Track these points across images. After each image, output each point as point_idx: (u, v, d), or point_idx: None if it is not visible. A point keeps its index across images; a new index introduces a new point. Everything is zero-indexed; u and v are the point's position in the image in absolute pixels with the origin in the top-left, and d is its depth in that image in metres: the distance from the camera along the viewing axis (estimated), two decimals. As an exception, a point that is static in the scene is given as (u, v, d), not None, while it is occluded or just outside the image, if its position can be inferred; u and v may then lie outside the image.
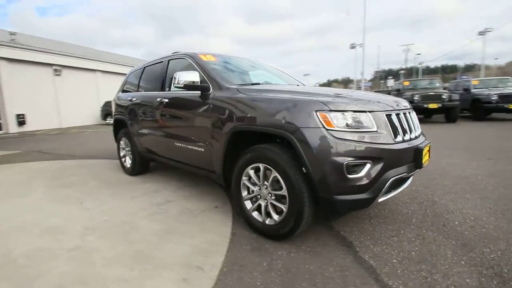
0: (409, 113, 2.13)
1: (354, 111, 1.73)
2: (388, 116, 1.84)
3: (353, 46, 26.19)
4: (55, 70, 15.12)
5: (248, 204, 2.16)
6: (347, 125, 1.70)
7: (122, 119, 3.94)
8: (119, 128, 4.17)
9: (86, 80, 17.32)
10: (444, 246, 1.92)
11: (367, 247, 1.93)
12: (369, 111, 1.76)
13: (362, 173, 1.67)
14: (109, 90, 17.97)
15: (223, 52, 3.46)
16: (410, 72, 63.76)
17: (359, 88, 25.03)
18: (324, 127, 1.67)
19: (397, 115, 1.93)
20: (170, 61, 3.16)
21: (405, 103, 2.15)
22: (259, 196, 2.08)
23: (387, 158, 1.72)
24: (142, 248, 2.00)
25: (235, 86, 2.35)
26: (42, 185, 3.67)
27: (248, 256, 1.86)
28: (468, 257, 1.78)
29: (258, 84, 2.59)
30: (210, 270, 1.73)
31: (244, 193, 2.17)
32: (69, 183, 3.71)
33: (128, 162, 3.99)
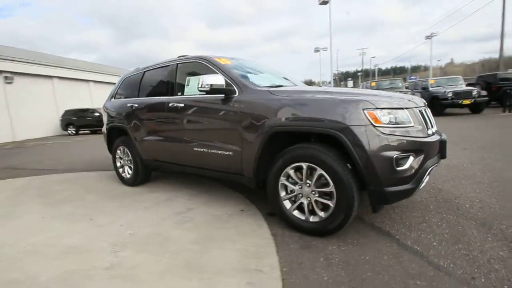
0: (426, 109, 2.35)
1: (395, 108, 1.87)
2: (420, 112, 2.02)
3: (317, 50, 27.50)
4: (6, 77, 13.57)
5: (287, 204, 2.19)
6: (390, 121, 1.83)
7: (120, 127, 3.71)
8: (115, 137, 3.92)
9: (42, 88, 15.80)
10: (468, 226, 2.14)
11: (405, 234, 2.08)
12: (406, 108, 1.92)
13: (407, 165, 1.81)
14: (68, 98, 16.62)
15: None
16: (367, 74, 68.48)
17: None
18: (372, 124, 1.79)
19: (425, 111, 2.12)
20: (179, 65, 3.07)
21: (424, 101, 2.37)
22: (300, 195, 2.12)
23: (426, 150, 1.88)
24: (189, 258, 1.92)
25: (264, 88, 2.37)
26: (35, 203, 3.30)
27: (301, 254, 1.89)
28: (491, 234, 2.01)
29: (281, 86, 2.64)
30: (270, 271, 1.73)
31: (283, 194, 2.20)
32: (64, 199, 3.39)
33: (127, 172, 3.76)
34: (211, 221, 2.50)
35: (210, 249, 2.03)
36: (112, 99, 4.01)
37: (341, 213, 1.91)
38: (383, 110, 1.83)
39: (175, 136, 2.96)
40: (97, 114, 15.46)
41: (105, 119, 4.07)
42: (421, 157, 1.86)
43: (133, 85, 3.71)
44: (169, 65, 3.18)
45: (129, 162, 3.71)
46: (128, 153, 3.65)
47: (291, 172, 2.11)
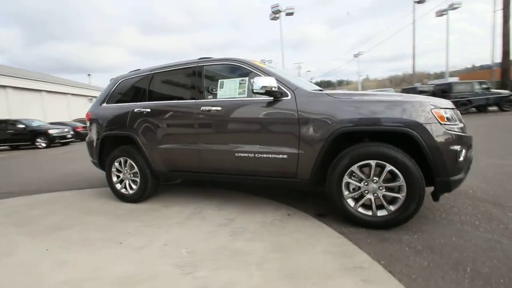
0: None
1: (449, 108, 2.16)
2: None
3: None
4: None
5: (351, 202, 2.27)
6: (448, 119, 2.11)
7: (122, 136, 3.23)
8: (110, 148, 3.39)
9: None
10: (488, 207, 2.55)
11: (447, 218, 2.36)
12: (452, 108, 2.23)
13: (463, 157, 2.10)
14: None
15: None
16: (302, 86, 73.89)
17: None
18: (439, 122, 2.02)
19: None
20: (205, 67, 2.88)
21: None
22: (366, 191, 2.22)
23: (470, 144, 2.21)
24: (280, 267, 1.81)
25: (318, 91, 2.43)
26: (16, 234, 2.60)
27: (384, 247, 1.98)
28: (508, 210, 2.45)
29: (323, 89, 2.73)
30: (371, 266, 1.77)
31: (346, 192, 2.27)
32: (58, 224, 2.76)
33: (130, 187, 3.28)
34: (267, 229, 2.39)
35: (293, 256, 1.95)
36: (104, 104, 3.47)
37: (412, 204, 2.07)
38: (444, 109, 2.09)
39: (209, 142, 2.75)
40: (21, 126, 12.93)
41: (94, 127, 3.49)
42: (469, 150, 2.18)
43: (137, 88, 3.30)
44: (190, 67, 2.96)
45: (132, 175, 3.25)
46: (132, 165, 3.20)
47: (357, 170, 2.21)
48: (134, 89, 3.35)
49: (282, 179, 2.53)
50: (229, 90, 2.73)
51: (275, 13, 19.43)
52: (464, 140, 2.13)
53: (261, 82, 2.32)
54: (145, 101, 3.17)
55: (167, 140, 2.97)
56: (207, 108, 2.72)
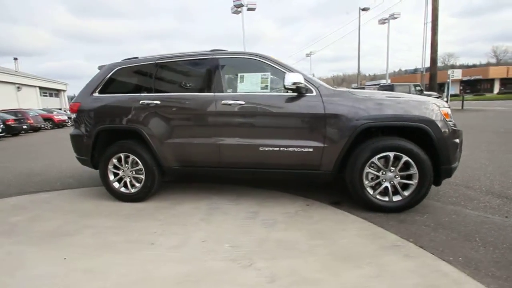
0: None
1: (448, 107, 2.56)
2: None
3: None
4: None
5: (370, 190, 2.54)
6: (450, 117, 2.50)
7: (125, 129, 2.96)
8: (105, 144, 3.07)
9: None
10: (464, 190, 3.09)
11: (444, 197, 2.82)
12: (449, 107, 2.65)
13: (459, 148, 2.53)
14: None
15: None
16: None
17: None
18: (445, 119, 2.40)
19: None
20: (221, 59, 2.83)
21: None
22: (383, 180, 2.51)
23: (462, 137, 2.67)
24: (329, 252, 1.96)
25: (341, 89, 2.62)
26: (17, 243, 2.24)
27: (406, 227, 2.27)
28: (478, 191, 3.02)
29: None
30: (404, 244, 2.02)
31: (366, 182, 2.53)
32: (58, 230, 2.45)
33: (132, 185, 3.05)
34: (296, 219, 2.51)
35: (335, 241, 2.11)
36: (96, 94, 3.11)
37: (423, 189, 2.43)
38: (447, 108, 2.48)
39: (231, 136, 2.72)
40: None
41: (83, 120, 3.10)
42: (461, 142, 2.63)
43: (140, 78, 3.05)
44: (204, 59, 2.86)
45: (134, 172, 3.02)
46: (135, 162, 2.97)
47: (376, 161, 2.47)
48: (136, 79, 3.09)
49: (306, 171, 2.67)
50: (250, 84, 2.74)
51: (237, 7, 19.25)
52: (460, 134, 2.56)
53: (292, 78, 2.41)
54: (152, 92, 2.95)
55: (181, 134, 2.84)
56: (229, 101, 2.69)
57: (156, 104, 2.87)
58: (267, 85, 2.71)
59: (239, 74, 2.81)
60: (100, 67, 3.34)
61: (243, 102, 2.67)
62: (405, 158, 2.42)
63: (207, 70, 2.85)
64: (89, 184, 3.90)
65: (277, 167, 2.72)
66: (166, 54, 3.04)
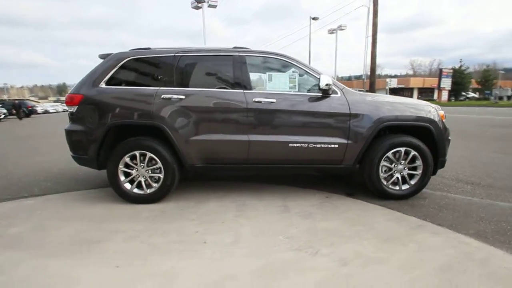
0: None
1: (442, 110, 3.08)
2: None
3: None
4: None
5: (384, 181, 2.90)
6: (444, 118, 3.03)
7: (146, 125, 2.74)
8: (115, 141, 2.80)
9: None
10: (442, 179, 3.75)
11: (432, 185, 3.36)
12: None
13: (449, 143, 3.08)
14: None
15: None
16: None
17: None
18: (441, 120, 2.90)
19: None
20: (247, 57, 2.86)
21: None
22: (395, 172, 2.90)
23: None
24: (372, 236, 2.21)
25: (359, 92, 2.93)
26: (40, 256, 1.92)
27: (418, 210, 2.67)
28: (450, 179, 3.70)
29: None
30: (426, 224, 2.40)
31: (381, 174, 2.88)
32: (81, 238, 2.18)
33: (147, 185, 2.84)
34: (326, 210, 2.72)
35: (371, 226, 2.37)
36: (103, 86, 2.80)
37: (426, 178, 2.89)
38: (441, 111, 2.99)
39: (262, 133, 2.77)
40: None
41: (88, 114, 2.75)
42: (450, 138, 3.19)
43: (157, 70, 2.85)
44: (230, 55, 2.86)
45: (151, 171, 2.83)
46: (155, 160, 2.78)
47: (391, 156, 2.85)
48: (152, 71, 2.88)
49: (329, 166, 2.91)
50: (279, 83, 2.85)
51: (198, 2, 18.64)
52: (449, 132, 3.11)
53: (326, 80, 2.62)
54: (173, 86, 2.80)
55: (209, 130, 2.78)
56: (260, 99, 2.74)
57: (181, 98, 2.74)
58: (295, 85, 2.86)
59: (267, 73, 2.89)
60: (102, 56, 3.01)
61: (274, 100, 2.76)
62: (413, 152, 2.85)
63: (233, 67, 2.85)
64: (75, 187, 3.45)
65: (304, 163, 2.89)
66: (186, 47, 2.92)
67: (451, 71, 31.63)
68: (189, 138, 2.77)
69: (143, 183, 2.85)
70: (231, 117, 2.79)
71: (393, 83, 20.13)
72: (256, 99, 2.75)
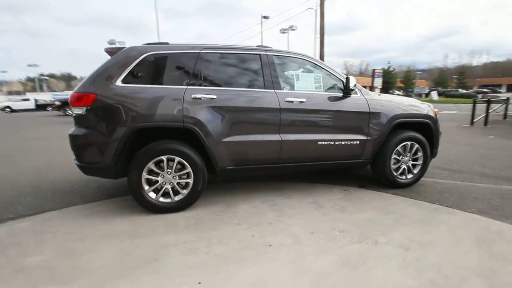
0: None
1: (435, 108, 3.57)
2: None
3: (112, 43, 24.37)
4: None
5: (394, 173, 3.25)
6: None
7: (179, 127, 2.50)
8: (137, 146, 2.50)
9: None
10: (429, 169, 4.34)
11: (432, 173, 3.88)
12: None
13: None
14: None
15: None
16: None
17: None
18: (436, 116, 3.38)
19: None
20: (274, 57, 2.86)
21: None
22: (402, 163, 3.27)
23: None
24: (406, 222, 2.49)
25: (371, 92, 3.19)
26: (113, 280, 1.60)
27: (426, 195, 3.08)
28: (435, 168, 4.32)
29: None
30: (438, 207, 2.80)
31: (394, 166, 3.23)
32: (135, 257, 1.91)
33: (175, 192, 2.62)
34: (353, 202, 2.91)
35: (399, 214, 2.65)
36: (119, 83, 2.46)
37: (425, 167, 3.35)
38: (435, 108, 3.48)
39: (294, 132, 2.82)
40: None
41: (104, 116, 2.39)
42: (438, 132, 3.72)
43: (181, 68, 2.63)
44: (257, 54, 2.82)
45: (179, 177, 2.62)
46: (185, 165, 2.58)
47: (400, 149, 3.21)
48: (175, 68, 2.64)
49: (350, 161, 3.12)
50: (306, 83, 2.93)
51: None
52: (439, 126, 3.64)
53: (354, 81, 2.80)
54: (200, 85, 2.63)
55: (241, 131, 2.69)
56: (291, 99, 2.78)
57: (212, 98, 2.59)
58: (320, 85, 2.97)
59: (294, 73, 2.93)
60: (110, 50, 2.63)
61: (304, 100, 2.83)
62: (416, 145, 3.26)
63: (262, 66, 2.81)
64: (69, 202, 2.95)
65: (330, 159, 3.04)
66: (210, 44, 2.76)
67: (382, 71, 36.08)
68: (221, 140, 2.65)
69: (170, 190, 2.62)
70: (264, 117, 2.76)
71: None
72: (288, 99, 2.78)
